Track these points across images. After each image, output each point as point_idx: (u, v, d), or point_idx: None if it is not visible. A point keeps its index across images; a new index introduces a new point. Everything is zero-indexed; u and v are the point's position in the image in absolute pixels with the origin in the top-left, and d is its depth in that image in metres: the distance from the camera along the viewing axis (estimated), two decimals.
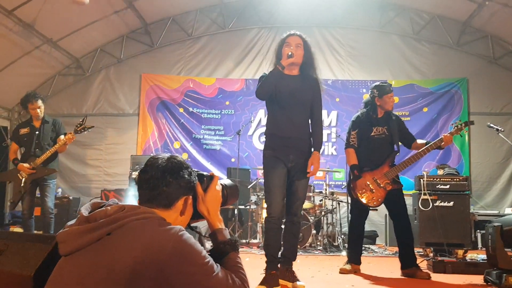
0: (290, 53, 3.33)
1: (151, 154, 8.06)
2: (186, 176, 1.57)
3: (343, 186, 7.57)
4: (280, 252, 3.44)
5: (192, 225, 1.73)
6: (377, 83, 4.38)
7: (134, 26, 8.93)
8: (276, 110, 3.45)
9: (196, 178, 1.64)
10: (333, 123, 8.84)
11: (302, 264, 4.87)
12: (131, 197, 6.95)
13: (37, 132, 5.21)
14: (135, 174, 7.40)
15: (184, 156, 8.83)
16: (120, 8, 8.06)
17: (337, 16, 8.93)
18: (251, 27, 9.11)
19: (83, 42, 8.60)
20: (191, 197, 1.58)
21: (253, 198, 7.21)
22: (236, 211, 7.13)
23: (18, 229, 7.07)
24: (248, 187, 7.28)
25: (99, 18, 8.04)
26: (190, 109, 9.04)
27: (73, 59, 8.94)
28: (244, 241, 7.03)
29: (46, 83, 9.04)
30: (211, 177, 1.73)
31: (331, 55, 9.02)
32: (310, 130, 3.52)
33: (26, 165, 5.00)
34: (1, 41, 7.18)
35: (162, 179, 1.51)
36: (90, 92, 9.14)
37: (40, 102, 5.23)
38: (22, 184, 5.04)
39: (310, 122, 3.53)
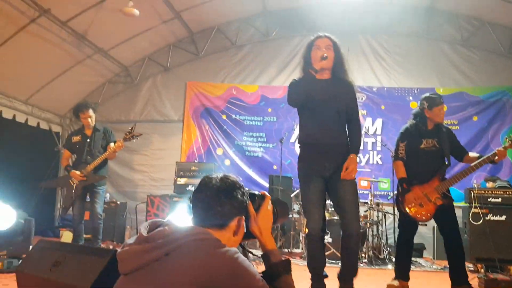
0: (324, 55, 3.18)
1: (195, 161, 8.20)
2: (239, 196, 1.58)
3: (389, 197, 7.43)
4: (338, 271, 3.24)
5: None
6: (427, 94, 4.26)
7: (180, 35, 9.12)
8: (309, 117, 3.30)
9: (248, 198, 1.65)
10: (378, 131, 8.68)
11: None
12: (176, 204, 7.07)
13: (88, 140, 5.40)
14: (180, 181, 7.54)
15: (226, 163, 8.92)
16: (168, 18, 8.25)
17: (383, 22, 8.79)
18: (294, 35, 9.10)
19: (132, 51, 8.86)
20: (244, 217, 1.60)
21: (296, 207, 7.19)
22: None
23: (67, 232, 7.34)
24: (291, 195, 7.26)
25: (148, 28, 8.26)
26: (233, 116, 9.12)
27: (122, 68, 9.22)
28: (286, 250, 7.01)
29: (97, 90, 9.37)
30: (263, 197, 1.73)
31: (376, 62, 8.89)
32: (347, 136, 3.32)
33: (77, 172, 5.19)
34: (55, 51, 7.49)
35: (217, 200, 1.53)
36: (137, 99, 9.39)
37: (91, 112, 5.42)
38: (73, 190, 5.24)
39: (347, 126, 3.34)
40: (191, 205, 1.61)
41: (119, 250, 1.49)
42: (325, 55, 3.19)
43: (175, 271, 1.33)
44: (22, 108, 8.13)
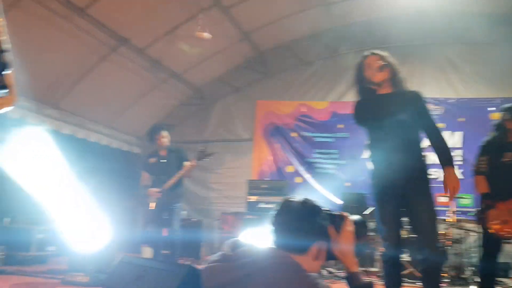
0: (382, 64, 3.09)
1: (266, 179, 8.26)
2: (321, 220, 1.58)
3: (470, 213, 7.02)
4: None
5: None
6: (509, 104, 4.02)
7: (249, 55, 9.32)
8: (377, 133, 3.17)
9: (329, 220, 1.64)
10: (458, 144, 8.25)
11: None
12: (248, 222, 7.15)
13: (163, 161, 5.65)
14: (251, 198, 7.63)
15: (297, 180, 8.90)
16: (237, 39, 8.49)
17: (458, 31, 8.41)
18: (364, 48, 8.93)
19: (203, 74, 9.19)
20: (325, 243, 1.58)
21: (371, 224, 6.99)
22: None
23: (148, 248, 7.66)
24: (365, 213, 7.08)
25: (218, 51, 8.54)
26: (303, 133, 9.11)
27: (195, 90, 9.58)
28: (362, 269, 6.82)
29: (172, 113, 9.80)
30: (342, 217, 1.70)
31: (453, 73, 8.50)
32: (421, 150, 3.13)
33: (154, 189, 5.44)
34: (133, 77, 7.97)
35: (298, 224, 1.53)
36: (210, 119, 9.70)
37: (165, 133, 5.67)
38: (152, 208, 5.49)
39: (428, 137, 3.14)
40: (273, 228, 1.60)
41: (202, 266, 1.52)
42: (383, 63, 3.11)
43: None
44: (106, 132, 8.69)
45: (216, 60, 8.82)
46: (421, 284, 3.07)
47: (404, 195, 3.05)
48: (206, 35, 6.85)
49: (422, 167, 3.12)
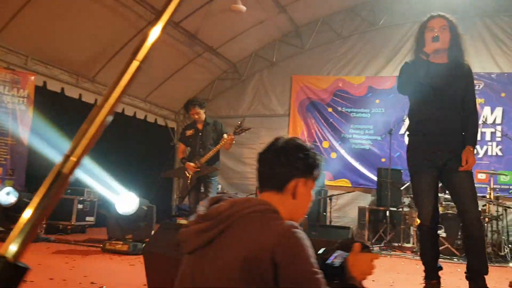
0: (435, 35, 2.95)
1: None
2: (302, 157, 1.48)
3: (510, 191, 6.86)
4: (466, 267, 3.00)
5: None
6: None
7: (285, 29, 9.24)
8: (421, 104, 3.09)
9: (314, 162, 1.51)
10: (498, 120, 8.00)
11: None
12: None
13: (200, 134, 5.72)
14: None
15: (332, 156, 8.87)
16: (273, 13, 8.42)
17: (502, 3, 8.07)
18: (404, 22, 8.72)
19: (239, 48, 9.19)
20: (304, 180, 1.47)
21: (406, 200, 6.94)
22: (387, 213, 6.93)
23: (183, 221, 7.87)
24: (401, 188, 7.02)
25: (254, 25, 8.50)
26: (339, 108, 9.03)
27: (231, 65, 9.61)
28: (396, 244, 6.81)
29: (207, 87, 9.88)
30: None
31: (496, 46, 8.18)
32: (461, 124, 3.07)
33: (192, 164, 5.54)
34: (169, 51, 8.04)
35: (276, 160, 1.46)
36: (245, 94, 9.73)
37: (197, 108, 5.70)
38: (188, 181, 5.60)
39: (463, 114, 3.08)
40: (257, 167, 1.53)
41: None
42: (436, 35, 2.96)
43: (230, 248, 1.27)
44: (142, 106, 8.88)
45: (252, 34, 8.79)
46: (465, 253, 3.05)
47: (444, 167, 3.02)
48: (241, 7, 6.82)
49: (463, 143, 3.05)
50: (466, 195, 2.95)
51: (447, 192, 5.99)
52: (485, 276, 2.96)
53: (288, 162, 1.46)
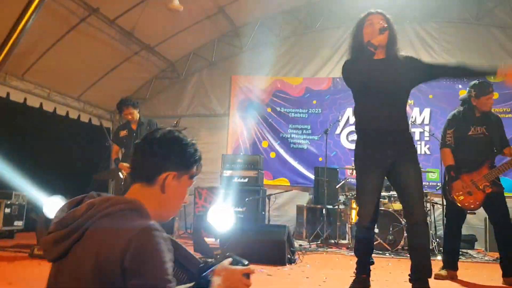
0: (384, 26, 2.91)
1: (241, 154, 8.28)
2: (178, 150, 1.42)
3: (437, 187, 7.24)
4: (410, 270, 2.98)
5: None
6: (476, 81, 4.11)
7: (224, 29, 9.23)
8: (367, 101, 3.06)
9: (192, 157, 1.46)
10: (426, 121, 8.46)
11: (395, 268, 4.76)
12: (223, 195, 7.19)
13: (134, 134, 5.59)
14: (226, 173, 7.66)
15: (272, 155, 8.97)
16: (212, 13, 8.38)
17: (430, 9, 8.54)
18: (339, 26, 8.98)
19: (177, 47, 9.06)
20: (175, 174, 1.40)
21: (342, 198, 7.15)
22: (324, 211, 7.10)
23: None
24: (336, 186, 7.22)
25: (192, 24, 8.42)
26: (278, 108, 9.15)
27: (169, 63, 9.46)
28: (332, 241, 7.00)
29: (144, 86, 9.66)
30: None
31: (424, 50, 8.61)
32: (408, 122, 3.12)
33: (126, 164, 5.39)
34: (104, 49, 7.78)
35: (149, 149, 1.39)
36: (184, 94, 9.60)
37: (131, 108, 5.57)
38: (122, 182, 5.46)
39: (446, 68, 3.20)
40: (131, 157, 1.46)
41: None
42: (385, 25, 2.94)
43: (82, 261, 1.18)
44: (75, 105, 8.51)
45: (190, 33, 8.69)
46: (409, 254, 3.06)
47: (393, 164, 3.01)
48: (178, 6, 6.73)
49: (410, 137, 3.14)
50: (412, 196, 2.96)
51: (385, 189, 6.25)
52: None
53: (161, 153, 1.38)
